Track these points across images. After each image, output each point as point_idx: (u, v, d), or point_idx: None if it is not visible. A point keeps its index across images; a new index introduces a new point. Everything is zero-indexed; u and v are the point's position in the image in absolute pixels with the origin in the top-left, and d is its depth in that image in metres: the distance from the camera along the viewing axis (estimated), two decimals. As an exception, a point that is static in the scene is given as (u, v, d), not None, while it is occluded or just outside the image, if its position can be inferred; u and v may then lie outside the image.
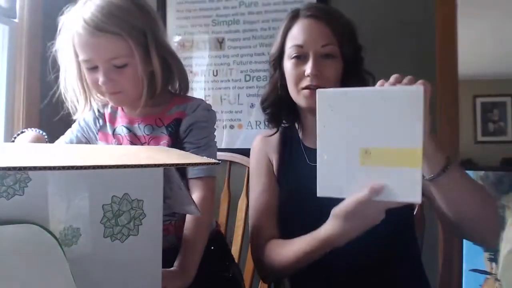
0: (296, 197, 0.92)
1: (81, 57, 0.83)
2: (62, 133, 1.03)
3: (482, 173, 1.84)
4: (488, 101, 5.71)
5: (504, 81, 5.47)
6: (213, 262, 0.90)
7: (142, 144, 0.92)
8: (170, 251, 0.89)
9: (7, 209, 0.47)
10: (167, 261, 0.83)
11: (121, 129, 0.95)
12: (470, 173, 1.86)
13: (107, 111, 0.98)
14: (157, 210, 0.58)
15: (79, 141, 1.00)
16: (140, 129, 0.92)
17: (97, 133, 0.99)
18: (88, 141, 1.00)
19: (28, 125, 1.57)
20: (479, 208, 0.76)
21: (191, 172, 0.90)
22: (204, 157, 0.66)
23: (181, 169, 0.87)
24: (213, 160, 0.59)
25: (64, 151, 0.66)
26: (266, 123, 1.03)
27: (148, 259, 0.58)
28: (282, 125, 1.03)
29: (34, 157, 0.54)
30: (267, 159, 1.02)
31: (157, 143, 0.90)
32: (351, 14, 0.99)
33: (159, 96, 0.92)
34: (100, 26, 0.79)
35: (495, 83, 5.52)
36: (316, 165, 0.68)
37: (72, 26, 0.83)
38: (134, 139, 0.93)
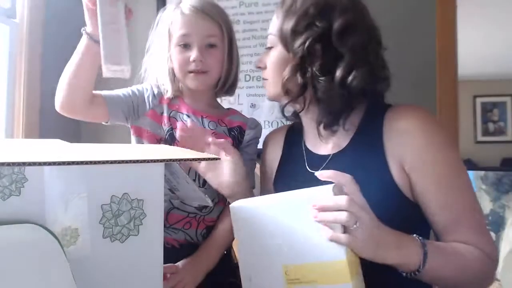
0: None
1: (180, 33, 0.93)
2: (62, 132, 1.03)
3: (482, 173, 1.84)
4: (488, 101, 5.70)
5: (504, 81, 5.46)
6: (219, 267, 0.91)
7: None
8: (189, 246, 0.92)
9: (3, 210, 0.46)
10: (186, 256, 0.88)
11: (180, 115, 0.98)
12: (470, 173, 1.86)
13: (166, 96, 1.00)
14: (158, 209, 0.58)
15: (128, 102, 0.98)
16: (204, 124, 0.98)
17: (148, 109, 0.98)
18: (134, 109, 0.98)
19: (28, 125, 1.57)
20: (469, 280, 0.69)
21: None
22: (205, 153, 0.69)
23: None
24: (213, 156, 0.60)
25: (62, 149, 0.66)
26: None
27: (149, 260, 0.58)
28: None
29: (29, 154, 0.54)
30: (270, 167, 0.98)
31: None
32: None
33: (216, 101, 1.06)
34: (205, 10, 0.93)
35: (495, 83, 5.52)
36: (314, 173, 0.64)
37: (173, 12, 0.95)
38: None
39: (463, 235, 0.70)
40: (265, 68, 0.88)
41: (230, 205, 0.63)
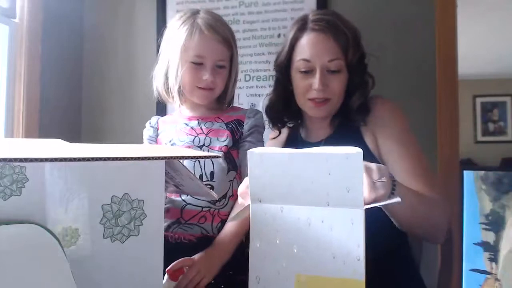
0: None
1: (195, 53, 0.97)
2: (62, 132, 1.03)
3: (482, 173, 1.84)
4: (488, 101, 5.71)
5: (504, 81, 5.47)
6: (230, 265, 0.91)
7: (198, 135, 1.01)
8: (206, 240, 0.93)
9: (4, 210, 0.47)
10: (203, 249, 0.89)
11: (178, 125, 1.04)
12: (470, 173, 1.86)
13: (162, 120, 1.09)
14: (158, 210, 0.58)
15: None
16: (200, 124, 1.03)
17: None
18: None
19: (28, 125, 1.57)
20: (424, 216, 0.80)
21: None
22: (205, 152, 0.69)
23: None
24: (214, 154, 0.60)
25: (62, 149, 0.66)
26: (270, 126, 1.08)
27: (149, 260, 0.58)
28: (288, 125, 1.09)
29: (30, 152, 0.54)
30: None
31: (216, 135, 1.00)
32: (349, 16, 0.99)
33: (217, 104, 1.08)
34: (221, 32, 0.99)
35: (495, 83, 5.52)
36: None
37: (191, 27, 0.98)
38: (191, 131, 1.02)
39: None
40: (326, 89, 0.95)
41: (250, 206, 0.61)
